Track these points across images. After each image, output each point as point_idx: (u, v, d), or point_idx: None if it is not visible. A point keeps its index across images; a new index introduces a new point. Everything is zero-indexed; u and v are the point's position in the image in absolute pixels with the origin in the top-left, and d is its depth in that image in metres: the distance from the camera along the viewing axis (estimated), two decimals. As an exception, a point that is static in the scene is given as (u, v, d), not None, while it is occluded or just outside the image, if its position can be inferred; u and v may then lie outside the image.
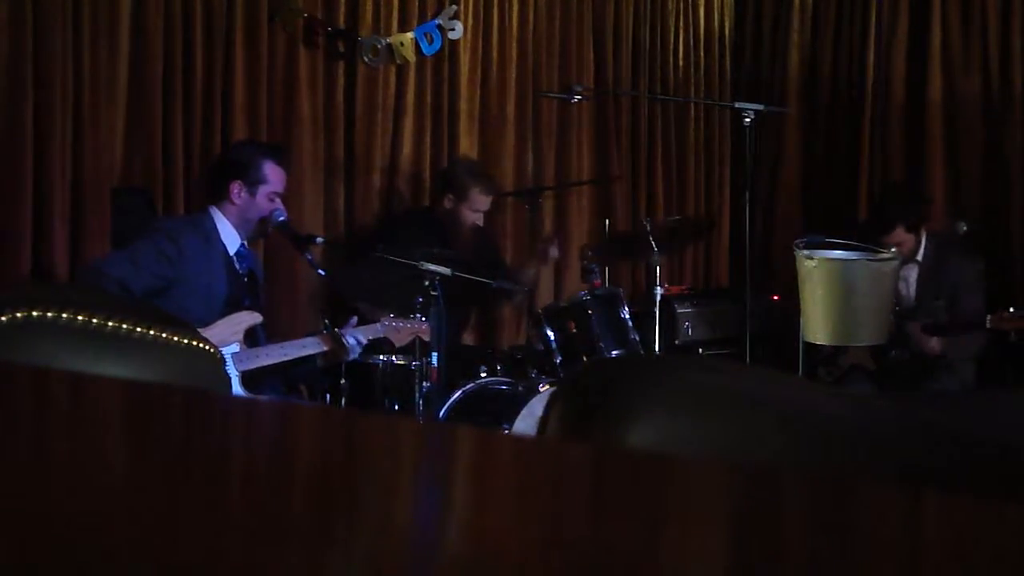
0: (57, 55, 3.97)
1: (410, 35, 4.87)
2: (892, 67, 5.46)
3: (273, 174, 3.61)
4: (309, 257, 3.71)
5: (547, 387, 3.81)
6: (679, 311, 5.02)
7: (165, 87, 4.27)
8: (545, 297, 5.16)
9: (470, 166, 4.73)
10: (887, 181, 5.39)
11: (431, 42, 4.91)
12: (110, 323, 1.17)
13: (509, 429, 3.66)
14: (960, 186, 5.28)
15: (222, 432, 0.81)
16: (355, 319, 3.66)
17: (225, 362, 3.18)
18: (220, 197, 3.58)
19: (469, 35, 5.09)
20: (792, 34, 5.81)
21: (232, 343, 3.36)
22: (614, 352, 3.99)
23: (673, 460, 0.79)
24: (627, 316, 4.09)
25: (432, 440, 0.81)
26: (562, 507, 0.62)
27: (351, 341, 3.53)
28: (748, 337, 3.86)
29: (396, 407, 3.90)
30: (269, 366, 3.46)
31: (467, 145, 5.09)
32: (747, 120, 3.88)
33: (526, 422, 3.63)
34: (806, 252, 3.55)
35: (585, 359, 3.98)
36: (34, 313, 1.12)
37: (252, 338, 3.48)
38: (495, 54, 5.19)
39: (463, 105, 5.08)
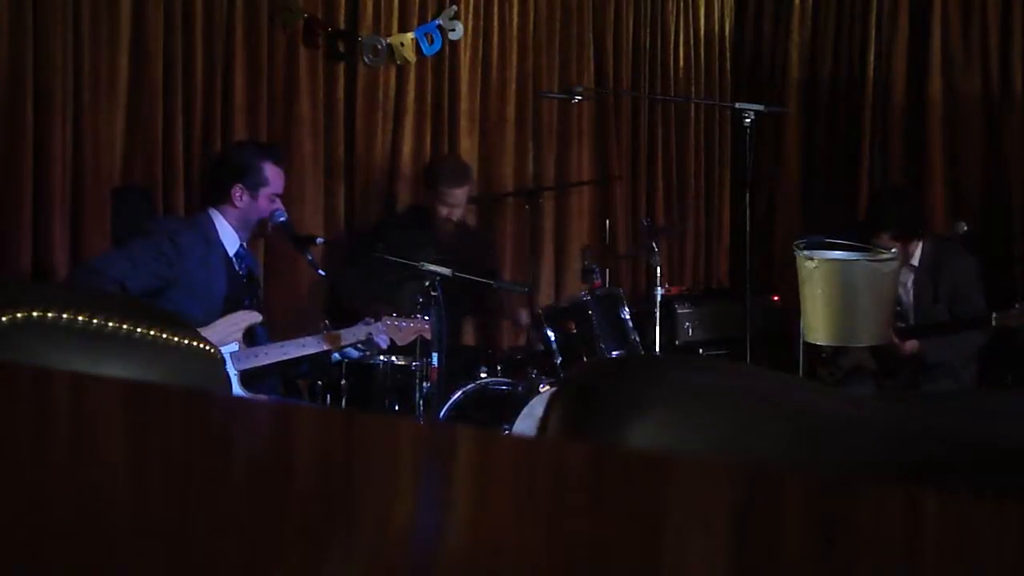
0: (57, 55, 3.97)
1: (410, 35, 4.87)
2: (892, 67, 5.46)
3: (273, 175, 3.62)
4: (309, 257, 3.71)
5: (547, 387, 3.81)
6: (679, 311, 5.02)
7: (165, 87, 4.27)
8: (545, 297, 5.16)
9: (442, 160, 4.75)
10: (886, 184, 5.39)
11: (431, 42, 4.92)
12: (110, 323, 1.17)
13: (509, 429, 3.66)
14: (960, 186, 5.28)
15: (222, 432, 0.81)
16: (370, 319, 3.65)
17: (225, 362, 3.18)
18: (221, 199, 3.59)
19: (469, 35, 5.09)
20: (792, 34, 5.81)
21: (231, 342, 3.37)
22: (614, 352, 3.99)
23: (673, 460, 0.79)
24: (627, 316, 4.09)
25: (432, 440, 0.81)
26: (562, 507, 0.62)
27: (381, 342, 3.57)
28: (748, 337, 3.86)
29: (396, 407, 3.90)
30: (268, 365, 3.46)
31: (467, 145, 5.09)
32: (747, 120, 3.88)
33: (526, 422, 3.63)
34: (806, 252, 3.55)
35: (585, 359, 3.98)
36: (34, 313, 1.12)
37: (251, 337, 3.49)
38: (495, 54, 5.19)
39: (463, 105, 5.08)
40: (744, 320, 3.93)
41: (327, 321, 3.82)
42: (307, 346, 3.52)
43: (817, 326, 3.55)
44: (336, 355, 3.63)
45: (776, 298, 5.12)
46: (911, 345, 4.29)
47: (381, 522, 0.56)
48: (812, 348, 3.99)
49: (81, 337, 1.15)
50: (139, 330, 1.18)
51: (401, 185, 4.93)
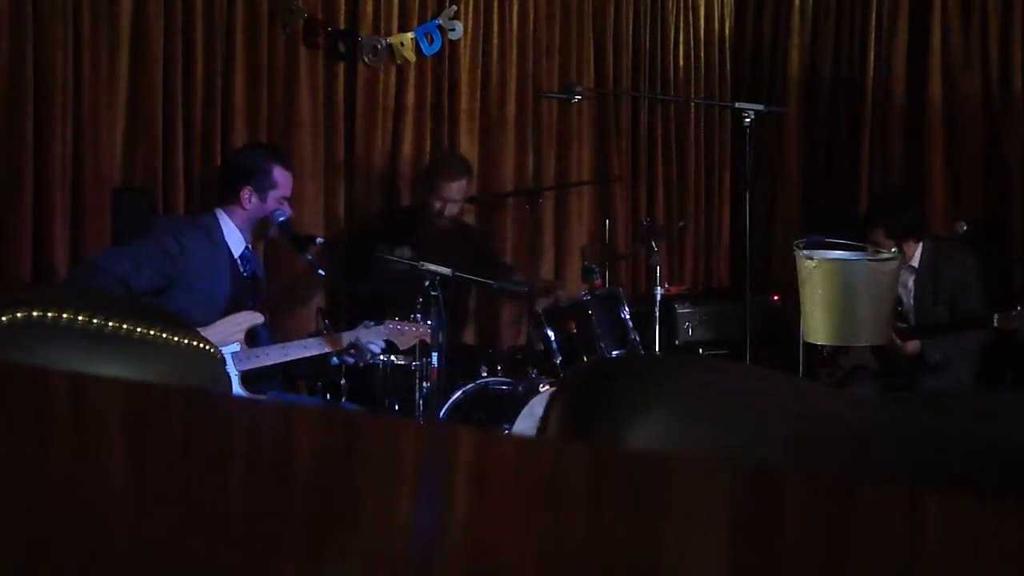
0: (57, 55, 3.97)
1: (410, 35, 4.87)
2: (892, 67, 5.45)
3: (282, 178, 3.64)
4: (309, 257, 3.71)
5: (547, 387, 3.80)
6: (679, 311, 5.02)
7: (165, 87, 4.27)
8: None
9: (441, 155, 4.75)
10: (888, 183, 5.39)
11: (431, 42, 4.92)
12: (110, 323, 1.17)
13: (509, 429, 3.66)
14: (960, 186, 5.28)
15: (222, 432, 0.81)
16: (371, 322, 3.66)
17: (225, 362, 3.18)
18: (229, 201, 3.60)
19: (469, 35, 5.09)
20: (792, 34, 5.81)
21: (232, 342, 3.37)
22: (614, 352, 3.99)
23: (673, 460, 0.79)
24: (627, 316, 4.09)
25: (432, 440, 0.81)
26: (562, 507, 0.62)
27: (374, 348, 3.57)
28: (748, 337, 3.86)
29: (396, 407, 3.90)
30: (269, 366, 3.46)
31: (467, 145, 5.09)
32: (747, 120, 3.88)
33: (526, 422, 3.63)
34: (806, 252, 3.55)
35: (585, 359, 3.98)
36: (34, 313, 1.12)
37: (253, 339, 3.49)
38: (495, 54, 5.19)
39: (463, 105, 5.08)
40: (744, 320, 3.93)
41: (326, 321, 3.82)
42: (308, 348, 3.52)
43: (817, 326, 3.55)
44: (334, 359, 3.63)
45: (776, 298, 5.12)
46: (912, 345, 4.29)
47: (381, 522, 0.56)
48: (812, 348, 3.99)
49: (81, 337, 1.15)
50: (139, 330, 1.18)
51: (401, 185, 4.93)
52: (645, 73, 5.72)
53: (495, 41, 5.19)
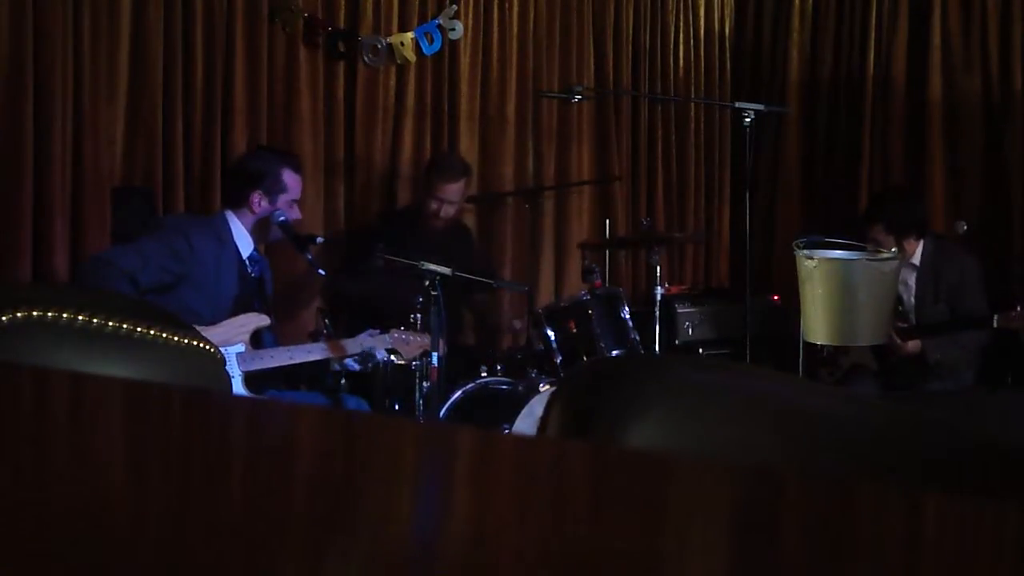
0: (57, 55, 3.97)
1: (410, 35, 4.87)
2: (892, 67, 5.45)
3: (292, 182, 3.65)
4: (309, 257, 3.72)
5: (547, 387, 3.80)
6: (679, 311, 5.02)
7: (165, 87, 4.27)
8: (545, 297, 5.16)
9: (439, 157, 4.75)
10: (888, 183, 5.39)
11: (431, 42, 4.92)
12: (110, 323, 1.17)
13: (509, 429, 3.66)
14: (960, 186, 5.28)
15: (222, 432, 0.81)
16: (375, 331, 3.66)
17: (226, 362, 3.19)
18: (239, 204, 3.61)
19: (469, 35, 5.09)
20: (792, 34, 5.81)
21: (237, 343, 3.37)
22: (614, 352, 3.99)
23: (673, 460, 0.79)
24: (627, 316, 4.09)
25: (432, 440, 0.81)
26: (562, 507, 0.62)
27: (380, 355, 3.59)
28: (748, 337, 3.86)
29: (396, 407, 3.90)
30: (273, 368, 3.48)
31: (467, 145, 5.09)
32: (747, 120, 3.88)
33: (526, 422, 3.63)
34: (806, 252, 3.55)
35: (585, 359, 3.98)
36: (34, 313, 1.12)
37: (258, 340, 3.50)
38: (495, 54, 5.19)
39: (463, 105, 5.08)
40: (744, 320, 3.93)
41: (327, 320, 3.82)
42: (313, 352, 3.54)
43: (817, 326, 3.55)
44: (336, 365, 3.65)
45: (776, 298, 5.12)
46: (913, 344, 4.29)
47: (381, 522, 0.56)
48: (812, 348, 3.99)
49: (81, 337, 1.15)
50: (139, 330, 1.18)
51: (401, 185, 4.93)
52: (645, 73, 5.72)
53: (495, 41, 5.19)
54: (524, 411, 3.68)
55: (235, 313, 3.44)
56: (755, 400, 0.94)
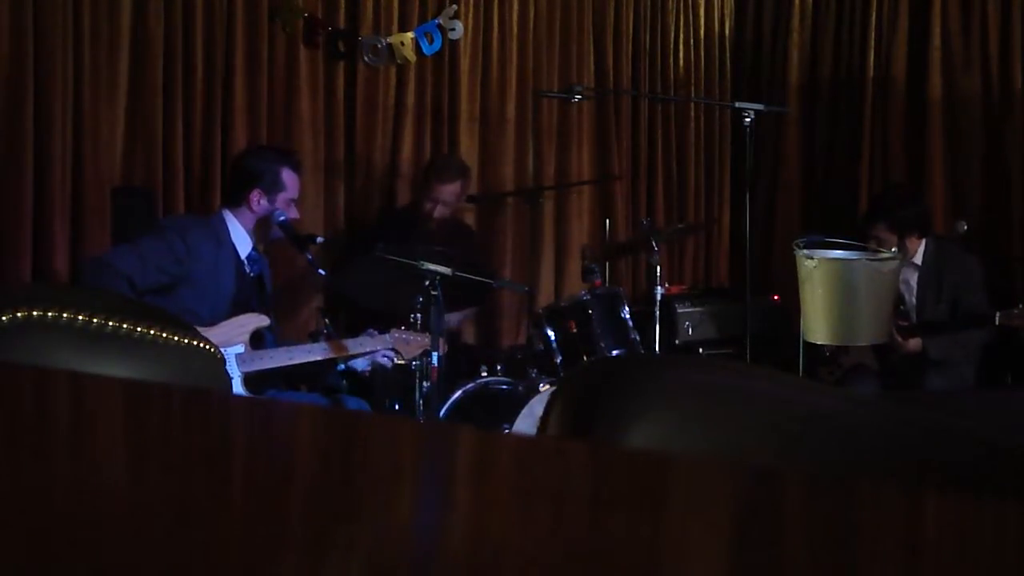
0: (57, 55, 3.97)
1: (410, 35, 4.87)
2: (892, 67, 5.45)
3: (290, 181, 3.65)
4: (309, 257, 3.72)
5: (547, 387, 3.80)
6: (679, 311, 5.02)
7: (165, 87, 4.27)
8: (545, 297, 5.16)
9: (438, 158, 4.75)
10: (889, 182, 5.39)
11: (431, 42, 4.92)
12: (110, 323, 1.17)
13: (509, 429, 3.66)
14: (960, 186, 5.28)
15: (222, 432, 0.81)
16: (375, 331, 3.66)
17: (226, 362, 3.19)
18: (237, 203, 3.60)
19: (469, 35, 5.09)
20: (792, 34, 5.81)
21: (237, 344, 3.37)
22: (614, 352, 3.99)
23: (673, 459, 0.79)
24: (627, 316, 4.09)
25: (432, 440, 0.81)
26: (562, 507, 0.62)
27: (385, 361, 3.60)
28: (748, 337, 3.86)
29: (396, 407, 3.90)
30: (273, 368, 3.47)
31: (467, 145, 5.09)
32: (747, 120, 3.88)
33: (526, 422, 3.63)
34: (806, 252, 3.55)
35: (585, 359, 3.98)
36: (34, 313, 1.12)
37: (259, 340, 3.49)
38: (495, 54, 5.19)
39: (463, 105, 5.08)
40: (744, 320, 3.93)
41: (327, 320, 3.82)
42: (313, 353, 3.53)
43: (817, 326, 3.55)
44: (340, 365, 3.65)
45: (776, 298, 5.12)
46: (914, 343, 4.29)
47: (381, 521, 0.56)
48: (812, 348, 3.99)
49: (81, 337, 1.15)
50: (139, 330, 1.18)
51: (401, 185, 4.93)
52: (645, 73, 5.72)
53: (495, 41, 5.19)
54: (524, 411, 3.68)
55: (234, 313, 3.44)
56: (755, 400, 0.94)
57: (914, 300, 4.47)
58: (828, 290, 3.49)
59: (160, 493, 0.59)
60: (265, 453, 0.74)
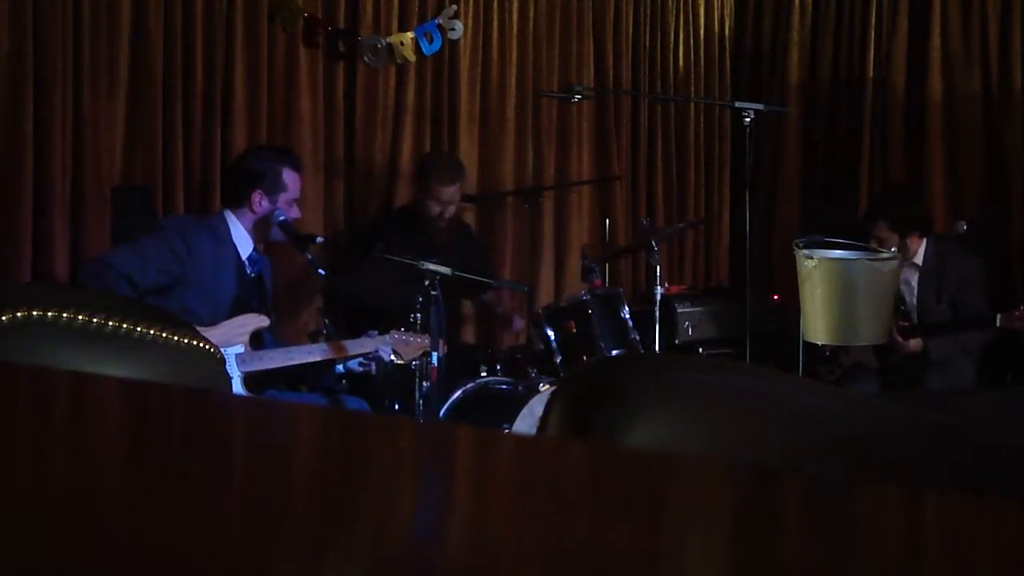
0: (57, 55, 3.97)
1: (410, 35, 4.87)
2: (892, 67, 5.45)
3: (292, 181, 3.65)
4: (309, 257, 3.72)
5: (547, 387, 3.80)
6: (679, 311, 5.02)
7: (165, 87, 4.27)
8: (545, 297, 5.16)
9: (434, 158, 4.73)
10: (889, 182, 5.39)
11: (431, 42, 4.92)
12: (110, 323, 1.17)
13: (509, 429, 3.66)
14: (960, 186, 5.28)
15: (222, 432, 0.81)
16: (375, 332, 3.66)
17: (226, 362, 3.19)
18: (239, 203, 3.60)
19: (469, 35, 5.09)
20: (792, 34, 5.81)
21: (237, 344, 3.37)
22: (614, 351, 3.99)
23: (673, 459, 0.79)
24: (627, 316, 4.09)
25: (432, 440, 0.81)
26: (562, 507, 0.62)
27: (385, 353, 3.60)
28: (748, 337, 3.86)
29: (396, 407, 3.90)
30: (273, 369, 3.47)
31: (467, 145, 5.09)
32: (747, 120, 3.88)
33: (526, 422, 3.63)
34: (806, 252, 3.55)
35: (585, 359, 3.98)
36: (34, 313, 1.12)
37: (259, 341, 3.49)
38: (495, 54, 5.19)
39: (463, 105, 5.08)
40: (744, 320, 3.93)
41: (327, 320, 3.82)
42: (313, 353, 3.53)
43: (817, 325, 3.55)
44: (339, 366, 3.65)
45: (776, 298, 5.12)
46: (915, 343, 4.29)
47: (381, 521, 0.56)
48: (812, 347, 3.99)
49: (81, 337, 1.15)
50: (139, 330, 1.18)
51: (401, 185, 4.93)
52: (645, 73, 5.72)
53: (495, 41, 5.19)
54: (524, 411, 3.67)
55: (234, 314, 3.44)
56: (755, 400, 0.94)
57: (915, 300, 4.47)
58: (828, 290, 3.49)
59: (160, 493, 0.59)
60: (265, 453, 0.74)
